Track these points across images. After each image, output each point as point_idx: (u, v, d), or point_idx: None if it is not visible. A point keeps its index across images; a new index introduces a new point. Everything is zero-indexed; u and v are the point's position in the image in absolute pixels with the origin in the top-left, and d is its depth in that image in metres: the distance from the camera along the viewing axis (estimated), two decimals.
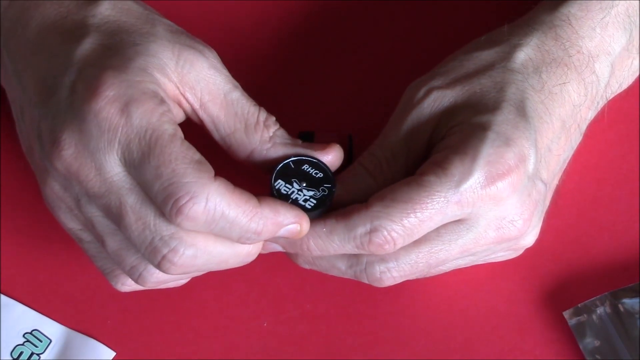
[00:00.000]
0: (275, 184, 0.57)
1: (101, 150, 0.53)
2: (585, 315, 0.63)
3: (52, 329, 0.64)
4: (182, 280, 0.59)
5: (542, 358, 0.63)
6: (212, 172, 0.54)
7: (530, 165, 0.57)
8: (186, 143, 0.54)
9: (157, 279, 0.56)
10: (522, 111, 0.57)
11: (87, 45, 0.55)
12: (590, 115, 0.62)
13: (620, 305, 0.62)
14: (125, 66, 0.54)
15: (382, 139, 0.59)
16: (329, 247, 0.57)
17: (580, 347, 0.62)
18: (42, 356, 0.64)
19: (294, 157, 0.57)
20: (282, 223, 0.55)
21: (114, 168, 0.53)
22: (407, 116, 0.59)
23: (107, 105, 0.53)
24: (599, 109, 0.62)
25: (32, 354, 0.64)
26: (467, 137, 0.56)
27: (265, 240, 0.57)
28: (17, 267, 0.66)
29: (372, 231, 0.56)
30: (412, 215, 0.55)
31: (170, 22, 0.58)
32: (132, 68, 0.54)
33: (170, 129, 0.53)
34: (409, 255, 0.58)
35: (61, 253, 0.65)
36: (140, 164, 0.53)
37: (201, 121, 0.57)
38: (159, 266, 0.54)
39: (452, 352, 0.63)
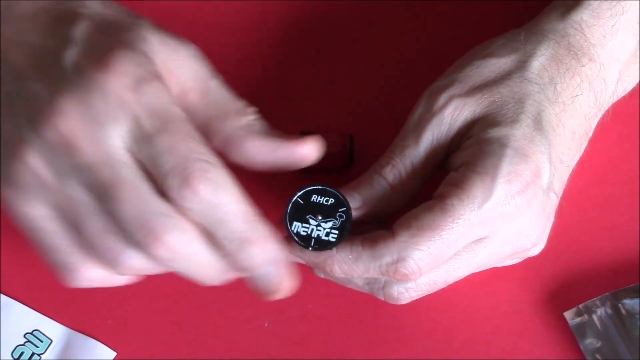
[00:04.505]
0: (293, 228, 0.56)
1: (104, 122, 0.51)
2: (586, 316, 0.63)
3: (53, 329, 0.64)
4: (137, 276, 0.55)
5: (542, 358, 0.63)
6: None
7: (545, 179, 0.57)
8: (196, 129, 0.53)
9: (130, 264, 0.52)
10: (538, 124, 0.57)
11: (84, 26, 0.54)
12: (597, 121, 0.62)
13: (620, 306, 0.62)
14: (132, 46, 0.53)
15: (401, 147, 0.59)
16: (353, 272, 0.57)
17: (581, 347, 0.62)
18: (42, 356, 0.64)
19: (299, 192, 0.56)
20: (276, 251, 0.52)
21: (115, 141, 0.51)
22: (427, 124, 0.58)
23: (116, 79, 0.51)
24: (603, 112, 0.62)
25: (32, 354, 0.64)
26: (486, 153, 0.56)
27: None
28: (17, 267, 0.65)
29: (399, 261, 0.55)
30: (438, 242, 0.55)
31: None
32: (137, 50, 0.53)
33: (180, 111, 0.52)
34: (427, 276, 0.58)
35: None
36: (152, 137, 0.51)
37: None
38: (146, 244, 0.51)
39: (453, 352, 0.63)
